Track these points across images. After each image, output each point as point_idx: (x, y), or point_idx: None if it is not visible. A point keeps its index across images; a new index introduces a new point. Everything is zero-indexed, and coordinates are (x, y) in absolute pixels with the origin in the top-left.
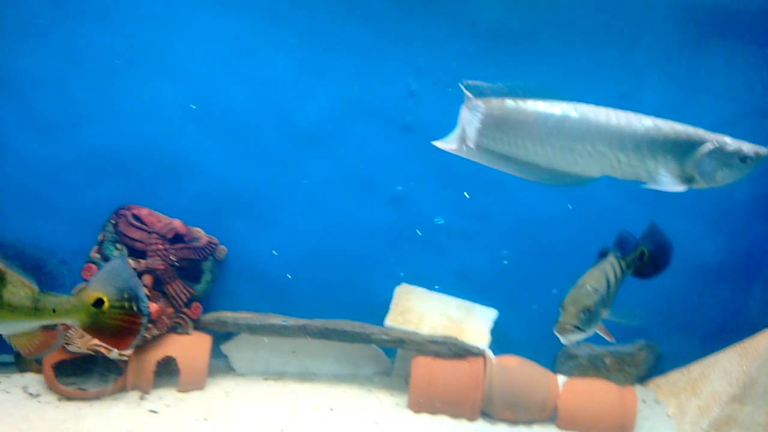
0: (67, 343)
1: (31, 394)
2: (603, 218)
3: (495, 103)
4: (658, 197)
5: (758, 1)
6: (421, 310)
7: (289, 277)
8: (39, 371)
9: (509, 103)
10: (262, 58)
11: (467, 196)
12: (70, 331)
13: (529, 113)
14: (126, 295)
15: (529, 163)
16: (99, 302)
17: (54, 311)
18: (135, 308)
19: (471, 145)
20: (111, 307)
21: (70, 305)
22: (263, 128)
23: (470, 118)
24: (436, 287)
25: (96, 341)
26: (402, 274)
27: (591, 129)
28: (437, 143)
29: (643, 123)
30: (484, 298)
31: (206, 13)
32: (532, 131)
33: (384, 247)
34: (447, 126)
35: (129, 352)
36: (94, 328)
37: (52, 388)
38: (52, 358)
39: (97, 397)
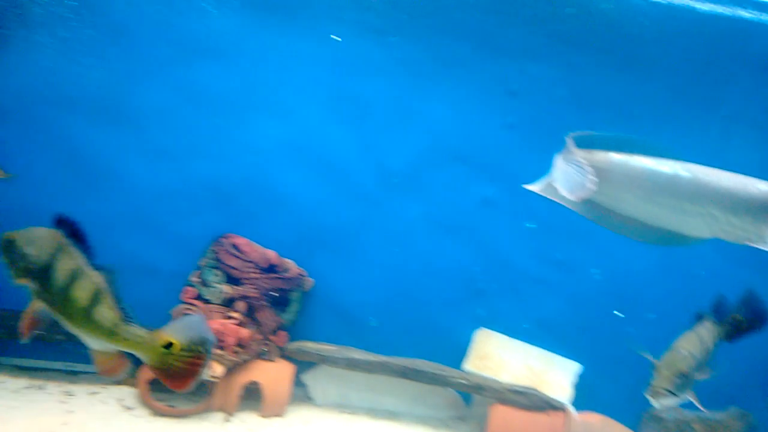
0: None
1: (126, 407)
2: (696, 277)
3: (599, 155)
4: (757, 257)
5: None
6: (501, 357)
7: (375, 322)
8: (134, 385)
9: (615, 157)
10: (360, 102)
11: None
12: None
13: (637, 169)
14: (196, 346)
15: (631, 219)
16: (169, 345)
17: (126, 340)
18: (201, 353)
19: (566, 194)
20: (180, 350)
21: (142, 339)
22: (357, 168)
23: (567, 167)
24: (520, 334)
25: None
26: (482, 318)
27: (703, 190)
28: (529, 186)
29: (758, 186)
30: (567, 350)
31: (312, 61)
32: (640, 188)
33: (465, 291)
34: (537, 174)
35: (219, 373)
36: (158, 367)
37: (145, 402)
38: (147, 374)
39: (185, 415)
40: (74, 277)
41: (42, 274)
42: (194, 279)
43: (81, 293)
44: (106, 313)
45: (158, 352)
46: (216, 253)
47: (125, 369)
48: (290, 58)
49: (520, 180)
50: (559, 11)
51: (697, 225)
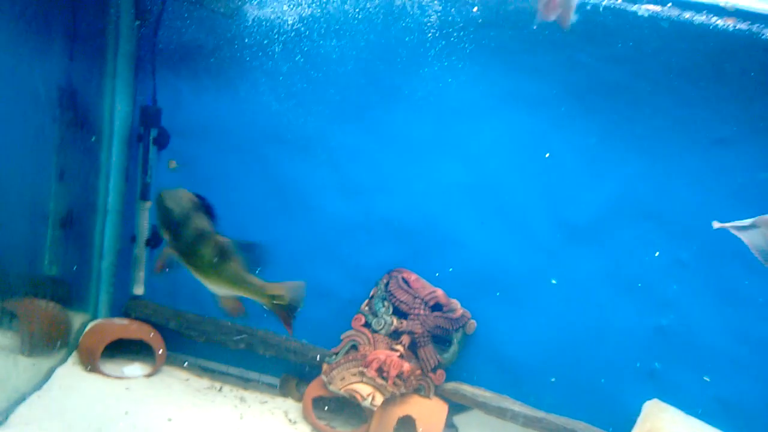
0: (329, 383)
1: (290, 420)
2: None
3: None
4: None
5: None
6: None
7: (553, 380)
8: (298, 399)
9: None
10: (544, 152)
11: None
12: (333, 372)
13: None
14: (293, 303)
15: None
16: (274, 296)
17: (243, 288)
18: (294, 308)
19: None
20: (282, 302)
21: (257, 287)
22: (535, 217)
23: None
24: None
25: (353, 386)
26: (655, 388)
27: None
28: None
29: None
30: None
31: (500, 109)
32: None
33: (638, 356)
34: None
35: (378, 402)
36: (268, 309)
37: (307, 418)
38: (313, 392)
39: None
40: (201, 233)
41: (176, 226)
42: (365, 308)
43: (205, 248)
44: (236, 266)
45: (267, 299)
46: (387, 285)
47: (242, 311)
48: (480, 108)
49: (715, 242)
50: None
51: None
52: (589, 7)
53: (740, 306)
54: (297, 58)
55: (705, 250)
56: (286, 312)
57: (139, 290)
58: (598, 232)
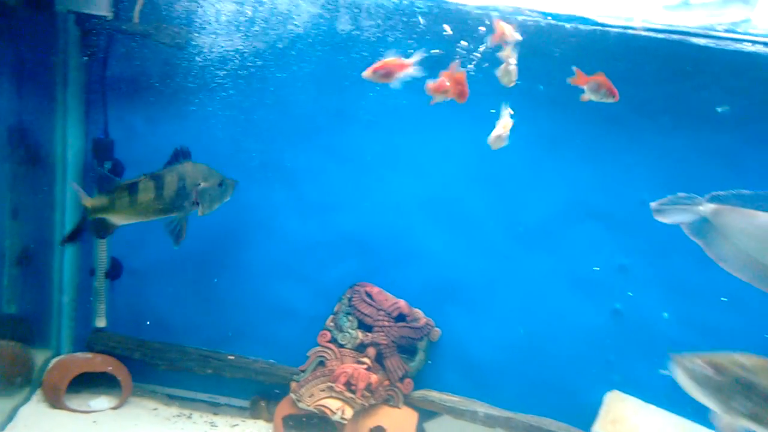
0: (298, 400)
1: None
2: None
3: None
4: None
5: None
6: (634, 423)
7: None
8: (269, 420)
9: None
10: (494, 160)
11: None
12: (302, 390)
13: None
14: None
15: None
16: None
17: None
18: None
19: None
20: None
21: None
22: (489, 224)
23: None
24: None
25: (322, 402)
26: (615, 379)
27: None
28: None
29: None
30: (708, 420)
31: (448, 122)
32: None
33: (597, 349)
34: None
35: (348, 416)
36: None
37: None
38: (282, 411)
39: None
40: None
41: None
42: (330, 323)
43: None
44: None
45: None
46: (351, 299)
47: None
48: (428, 122)
49: (662, 237)
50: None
51: None
52: (528, 21)
53: (688, 296)
54: (249, 85)
55: (652, 246)
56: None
57: (101, 323)
58: (550, 235)
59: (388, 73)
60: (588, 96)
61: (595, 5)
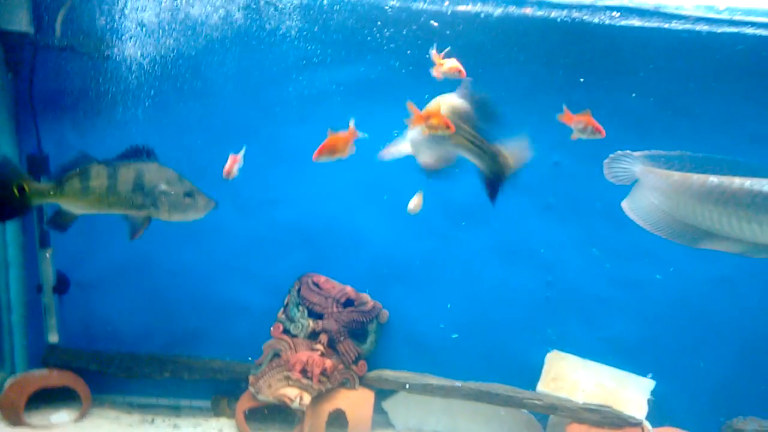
0: (257, 393)
1: None
2: (757, 288)
3: (696, 177)
4: None
5: None
6: (574, 378)
7: (455, 336)
8: (231, 416)
9: (712, 179)
10: None
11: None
12: (260, 382)
13: (718, 186)
14: None
15: (718, 236)
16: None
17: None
18: None
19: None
20: None
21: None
22: (426, 206)
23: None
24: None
25: (280, 391)
26: (553, 340)
27: None
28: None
29: None
30: (639, 367)
31: (378, 111)
32: (738, 208)
33: (534, 314)
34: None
35: (307, 402)
36: None
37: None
38: (243, 405)
39: None
40: None
41: None
42: (281, 316)
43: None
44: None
45: None
46: (299, 290)
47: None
48: (358, 112)
49: (583, 202)
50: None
51: None
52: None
53: (611, 255)
54: (178, 88)
55: (575, 211)
56: None
57: (54, 338)
58: (482, 211)
59: (333, 151)
60: (576, 135)
61: None
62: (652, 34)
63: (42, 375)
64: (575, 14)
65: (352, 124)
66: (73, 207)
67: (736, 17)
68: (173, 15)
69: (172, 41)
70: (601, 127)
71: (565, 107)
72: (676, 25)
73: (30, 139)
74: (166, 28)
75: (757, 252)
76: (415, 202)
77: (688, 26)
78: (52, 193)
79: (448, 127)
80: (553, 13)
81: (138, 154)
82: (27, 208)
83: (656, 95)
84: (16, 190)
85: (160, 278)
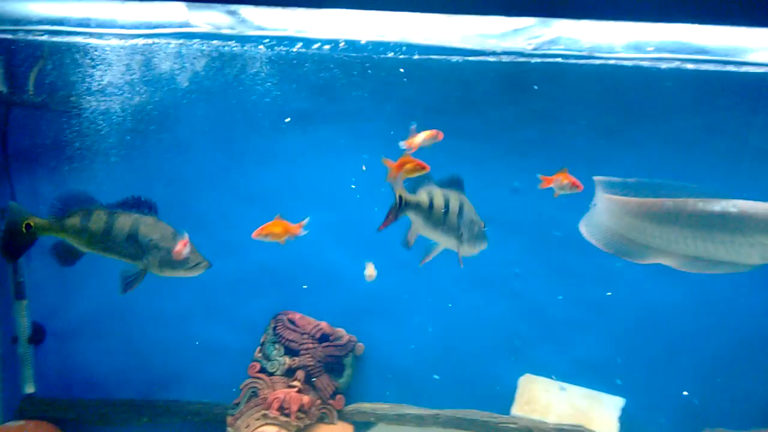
0: None
1: None
2: (718, 305)
3: (651, 201)
4: None
5: None
6: (546, 400)
7: (437, 377)
8: None
9: (667, 201)
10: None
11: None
12: (238, 422)
13: (688, 210)
14: None
15: (680, 255)
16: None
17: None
18: None
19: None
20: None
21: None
22: (392, 238)
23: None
24: (554, 376)
25: (259, 430)
26: (524, 364)
27: (751, 222)
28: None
29: None
30: (608, 387)
31: (340, 151)
32: (695, 227)
33: (505, 340)
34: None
35: None
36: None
37: None
38: None
39: None
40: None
41: None
42: (258, 354)
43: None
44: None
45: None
46: (275, 328)
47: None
48: (322, 153)
49: (546, 231)
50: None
51: (748, 254)
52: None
53: (574, 279)
54: (150, 137)
55: (540, 241)
56: None
57: (30, 389)
58: None
59: (272, 236)
60: (558, 192)
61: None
62: (592, 72)
63: (18, 426)
64: (521, 59)
65: (305, 222)
66: (77, 243)
67: (663, 55)
68: (143, 68)
69: (143, 92)
70: (578, 182)
71: (542, 176)
72: (612, 62)
73: (5, 193)
74: (137, 80)
75: (694, 266)
76: (369, 271)
77: (621, 62)
78: (54, 228)
79: (423, 168)
80: (504, 58)
81: (139, 205)
82: (34, 241)
83: (598, 129)
84: (24, 228)
85: (136, 324)
